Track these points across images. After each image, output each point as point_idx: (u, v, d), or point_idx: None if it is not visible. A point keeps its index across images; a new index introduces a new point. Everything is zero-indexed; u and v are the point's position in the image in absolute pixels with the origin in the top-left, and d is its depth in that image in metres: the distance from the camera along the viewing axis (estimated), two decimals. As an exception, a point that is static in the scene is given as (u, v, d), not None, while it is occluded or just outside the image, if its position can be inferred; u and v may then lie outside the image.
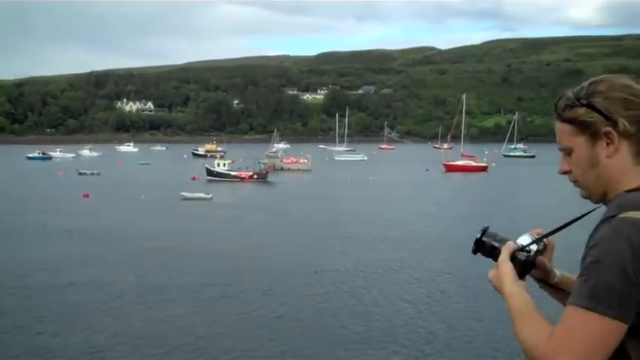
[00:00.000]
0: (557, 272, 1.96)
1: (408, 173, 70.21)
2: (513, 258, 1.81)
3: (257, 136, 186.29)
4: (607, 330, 1.53)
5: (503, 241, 1.87)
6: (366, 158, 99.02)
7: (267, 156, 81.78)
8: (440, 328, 15.98)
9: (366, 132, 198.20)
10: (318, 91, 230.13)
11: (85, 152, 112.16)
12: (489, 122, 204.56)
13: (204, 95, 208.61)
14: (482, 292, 17.27)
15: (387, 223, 32.75)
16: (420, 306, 17.94)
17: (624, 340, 1.57)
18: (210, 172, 62.71)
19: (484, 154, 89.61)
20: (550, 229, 1.89)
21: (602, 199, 1.76)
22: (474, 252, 1.92)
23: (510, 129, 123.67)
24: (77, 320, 16.49)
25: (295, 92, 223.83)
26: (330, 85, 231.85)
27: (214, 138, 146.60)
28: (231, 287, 19.72)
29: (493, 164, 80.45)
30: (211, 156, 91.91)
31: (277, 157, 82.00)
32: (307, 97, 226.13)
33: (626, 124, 1.66)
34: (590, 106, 1.69)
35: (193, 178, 60.45)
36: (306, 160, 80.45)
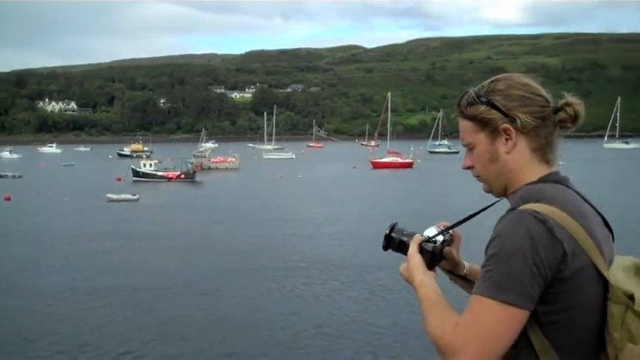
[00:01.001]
0: (466, 264, 2.03)
1: (337, 171, 71.02)
2: (421, 250, 1.88)
3: (185, 136, 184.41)
4: (509, 318, 1.59)
5: (410, 235, 1.93)
6: (294, 156, 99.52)
7: (195, 155, 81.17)
8: (386, 322, 16.10)
9: (294, 130, 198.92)
10: (246, 90, 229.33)
11: (5, 154, 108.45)
12: (414, 119, 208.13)
13: (129, 94, 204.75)
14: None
15: (320, 220, 33.19)
16: (364, 301, 18.09)
17: (527, 326, 1.63)
18: (136, 173, 61.89)
19: (410, 151, 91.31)
20: (455, 221, 1.97)
21: (504, 192, 1.83)
22: (385, 248, 1.98)
23: (435, 126, 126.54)
24: (9, 329, 16.01)
25: (223, 91, 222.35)
26: (258, 84, 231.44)
27: (140, 138, 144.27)
28: (168, 290, 19.39)
29: (419, 160, 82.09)
30: (137, 156, 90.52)
31: (205, 157, 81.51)
32: (235, 95, 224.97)
33: (525, 120, 1.74)
34: (490, 104, 1.76)
35: (119, 179, 59.55)
36: (234, 159, 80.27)
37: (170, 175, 61.64)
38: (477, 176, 1.88)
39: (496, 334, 1.59)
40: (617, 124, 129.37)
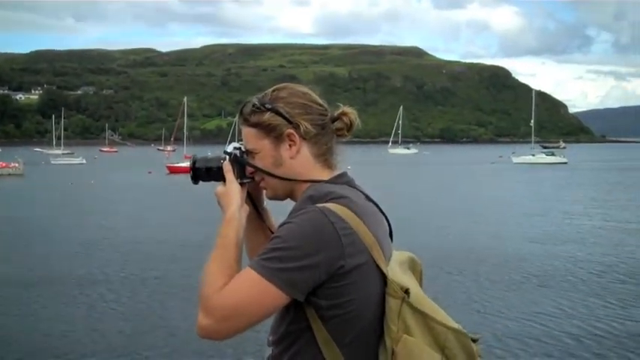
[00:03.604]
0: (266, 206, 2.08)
1: (132, 176, 69.74)
2: (232, 161, 1.89)
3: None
4: (268, 298, 1.64)
5: (215, 160, 1.94)
6: (85, 162, 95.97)
7: (-26, 161, 75.89)
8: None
9: (86, 134, 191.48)
10: (32, 91, 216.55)
11: None
12: (211, 124, 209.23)
13: None
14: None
15: (115, 227, 32.69)
16: (192, 309, 17.43)
17: (310, 320, 1.69)
18: None
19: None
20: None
21: (289, 196, 1.89)
22: (195, 182, 2.03)
23: (231, 131, 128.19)
24: None
25: (6, 92, 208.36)
26: (45, 85, 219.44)
27: None
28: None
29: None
30: None
31: (-16, 162, 76.47)
32: (20, 97, 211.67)
33: (307, 127, 1.81)
34: (275, 111, 1.80)
35: None
36: (17, 165, 76.00)
37: (-54, 183, 57.29)
38: (260, 182, 1.91)
39: (250, 308, 1.65)
40: (400, 131, 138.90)
